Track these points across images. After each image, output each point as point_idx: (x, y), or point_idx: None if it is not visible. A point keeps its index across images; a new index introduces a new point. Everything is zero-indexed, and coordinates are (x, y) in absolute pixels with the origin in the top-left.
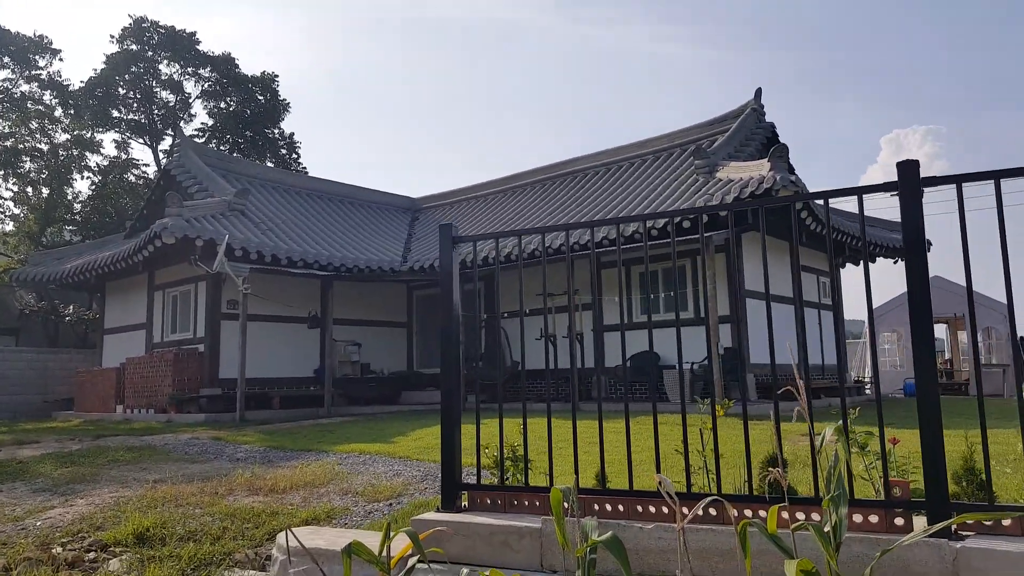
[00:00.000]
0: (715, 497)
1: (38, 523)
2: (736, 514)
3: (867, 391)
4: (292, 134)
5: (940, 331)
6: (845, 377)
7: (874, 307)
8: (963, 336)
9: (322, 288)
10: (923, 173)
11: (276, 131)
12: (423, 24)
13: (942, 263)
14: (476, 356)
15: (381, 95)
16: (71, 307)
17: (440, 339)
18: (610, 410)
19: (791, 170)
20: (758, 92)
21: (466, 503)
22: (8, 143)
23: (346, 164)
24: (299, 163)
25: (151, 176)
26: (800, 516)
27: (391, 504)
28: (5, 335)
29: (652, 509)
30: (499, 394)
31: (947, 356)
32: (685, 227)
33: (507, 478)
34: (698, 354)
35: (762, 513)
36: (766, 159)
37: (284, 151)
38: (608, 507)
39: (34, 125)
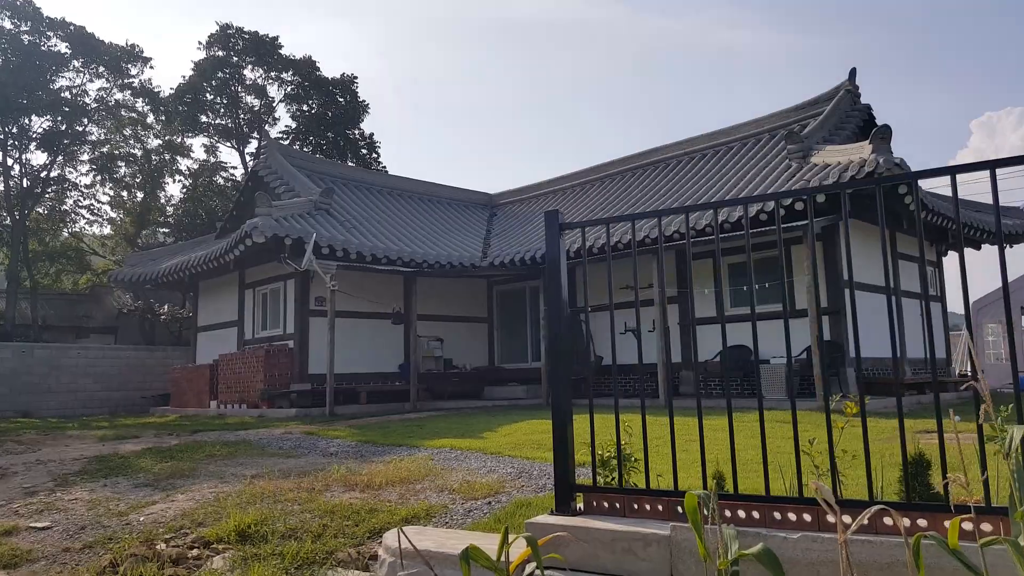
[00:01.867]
0: (881, 506)
1: (141, 518)
2: (908, 523)
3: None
4: (372, 134)
5: None
6: (972, 370)
7: (979, 296)
8: None
9: (405, 284)
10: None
11: (356, 132)
12: (492, 26)
13: None
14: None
15: (455, 95)
16: (166, 306)
17: (548, 332)
18: (680, 406)
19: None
20: (852, 72)
21: (581, 505)
22: (104, 149)
23: (423, 162)
24: (379, 162)
25: (238, 178)
26: (967, 527)
27: (489, 502)
28: (104, 334)
29: (792, 516)
30: (589, 390)
31: None
32: (768, 217)
33: (625, 480)
34: (792, 348)
35: (920, 522)
36: (867, 141)
37: (365, 151)
38: (741, 513)
39: (128, 132)
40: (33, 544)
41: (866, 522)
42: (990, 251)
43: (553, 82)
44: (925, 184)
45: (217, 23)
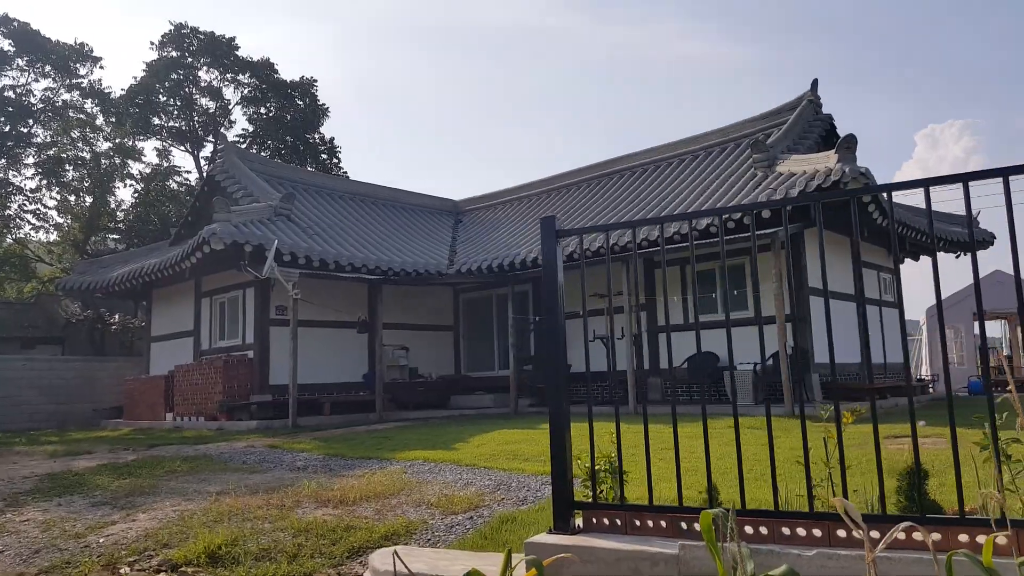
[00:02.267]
0: (910, 523)
1: (101, 540)
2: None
3: (931, 390)
4: (332, 139)
5: (996, 327)
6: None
7: (933, 303)
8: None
9: (370, 292)
10: (960, 168)
11: (316, 136)
12: (452, 32)
13: (1004, 257)
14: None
15: (415, 101)
16: (117, 315)
17: (546, 339)
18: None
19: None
20: (814, 83)
21: (579, 522)
22: (51, 152)
23: (384, 169)
24: (340, 168)
25: (193, 183)
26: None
27: (471, 517)
28: (52, 344)
29: (802, 532)
30: (588, 399)
31: (1007, 352)
32: (736, 225)
33: (609, 494)
34: (756, 355)
35: (935, 536)
36: (832, 151)
37: (325, 156)
38: (748, 529)
39: (76, 134)
40: None
41: (876, 535)
42: (944, 258)
43: (516, 90)
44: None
45: (171, 22)
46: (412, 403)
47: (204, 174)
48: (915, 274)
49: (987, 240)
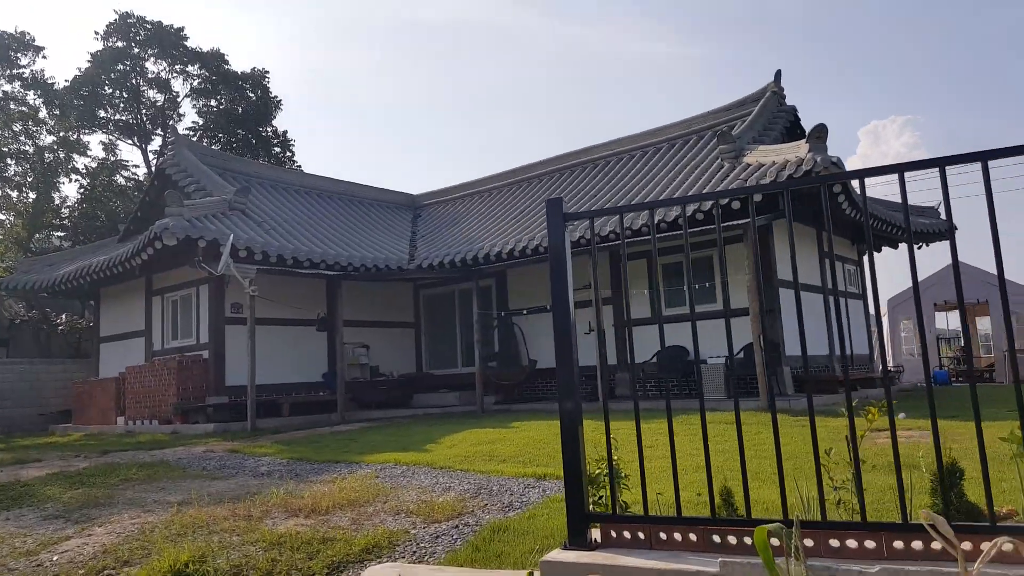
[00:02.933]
0: (1008, 538)
1: (55, 558)
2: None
3: (899, 380)
4: (285, 132)
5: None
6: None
7: (894, 294)
8: (981, 322)
9: (330, 288)
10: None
11: (269, 129)
12: (409, 26)
13: (963, 248)
14: (506, 354)
15: (370, 95)
16: (63, 316)
17: (555, 331)
18: (622, 408)
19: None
20: (778, 74)
21: (596, 537)
22: None
23: (338, 164)
24: (293, 161)
25: (141, 178)
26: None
27: (456, 526)
28: None
29: (852, 544)
30: (603, 395)
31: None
32: (704, 216)
33: (627, 504)
34: (726, 348)
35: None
36: (803, 140)
37: (278, 149)
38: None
39: (17, 127)
40: None
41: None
42: (904, 250)
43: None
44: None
45: (116, 11)
46: (374, 402)
47: (153, 168)
48: (877, 266)
49: (949, 230)
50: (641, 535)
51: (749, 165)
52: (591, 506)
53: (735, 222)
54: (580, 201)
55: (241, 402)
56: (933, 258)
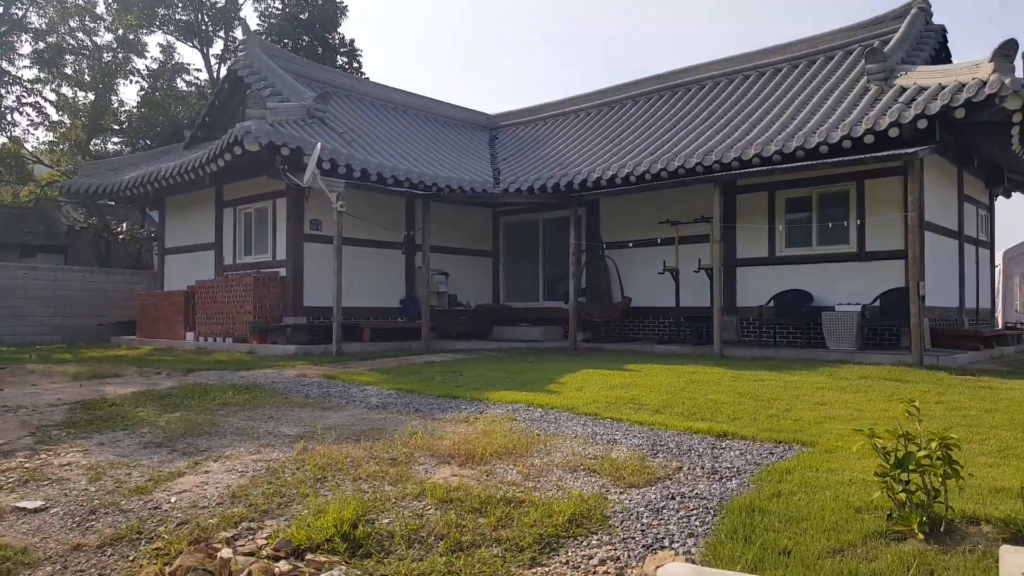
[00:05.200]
0: None
1: (172, 499)
2: None
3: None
4: (352, 40)
5: None
6: None
7: (1010, 246)
8: None
9: (415, 210)
10: None
11: (336, 37)
12: None
13: None
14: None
15: (438, 8)
16: (124, 224)
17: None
18: (740, 355)
19: None
20: None
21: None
22: (50, 40)
23: (404, 80)
24: (361, 73)
25: (202, 83)
26: None
27: (671, 496)
28: (53, 253)
29: None
30: None
31: None
32: (848, 146)
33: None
34: (857, 295)
35: None
36: (988, 59)
37: (345, 59)
38: None
39: (74, 23)
40: (26, 537)
41: None
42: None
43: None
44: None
45: None
46: (454, 332)
47: (215, 74)
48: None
49: None
50: None
51: (905, 88)
52: (902, 495)
53: (890, 152)
54: (688, 127)
55: (319, 324)
56: None
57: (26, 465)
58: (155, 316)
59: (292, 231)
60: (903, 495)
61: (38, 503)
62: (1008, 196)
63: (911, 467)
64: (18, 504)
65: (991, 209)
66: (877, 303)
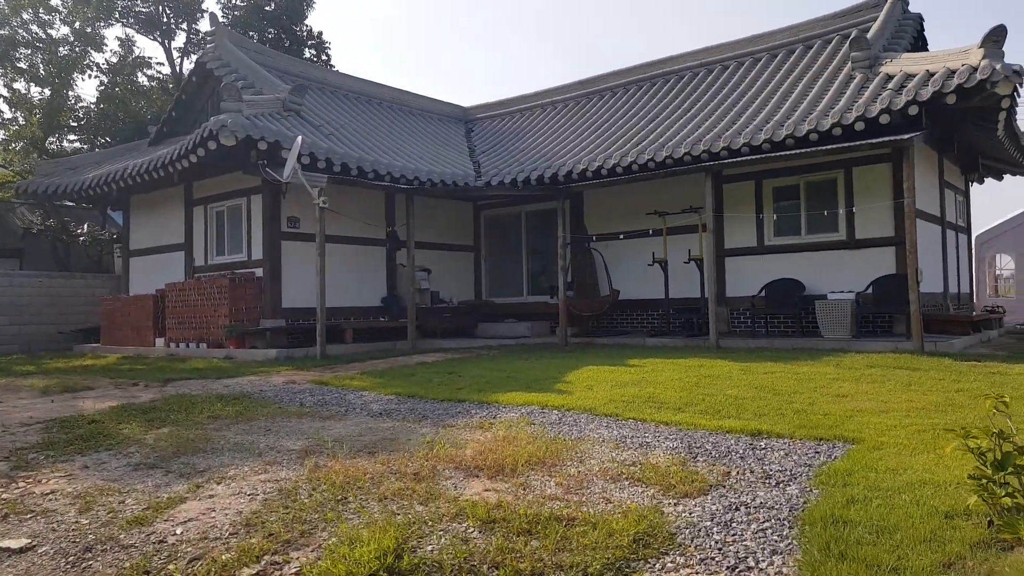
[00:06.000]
0: None
1: (177, 530)
2: None
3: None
4: (320, 32)
5: None
6: None
7: (989, 227)
8: None
9: (390, 204)
10: None
11: (303, 29)
12: None
13: None
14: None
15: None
16: (85, 226)
17: None
18: (736, 347)
19: None
20: None
21: None
22: (2, 32)
23: (372, 67)
24: (330, 66)
25: (164, 77)
26: None
27: (731, 506)
28: (7, 257)
29: None
30: None
31: None
32: (838, 133)
33: None
34: (848, 283)
35: None
36: (977, 45)
37: (313, 52)
38: None
39: (27, 15)
40: None
41: None
42: (1012, 182)
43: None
44: None
45: None
46: (439, 330)
47: (179, 67)
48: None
49: None
50: None
51: (891, 76)
52: (1006, 499)
53: (880, 139)
54: (666, 118)
55: (299, 326)
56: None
57: (3, 496)
58: (121, 322)
59: (269, 229)
60: (1007, 499)
61: (23, 541)
62: (981, 182)
63: (1010, 469)
64: (1, 544)
65: (967, 195)
66: (870, 290)
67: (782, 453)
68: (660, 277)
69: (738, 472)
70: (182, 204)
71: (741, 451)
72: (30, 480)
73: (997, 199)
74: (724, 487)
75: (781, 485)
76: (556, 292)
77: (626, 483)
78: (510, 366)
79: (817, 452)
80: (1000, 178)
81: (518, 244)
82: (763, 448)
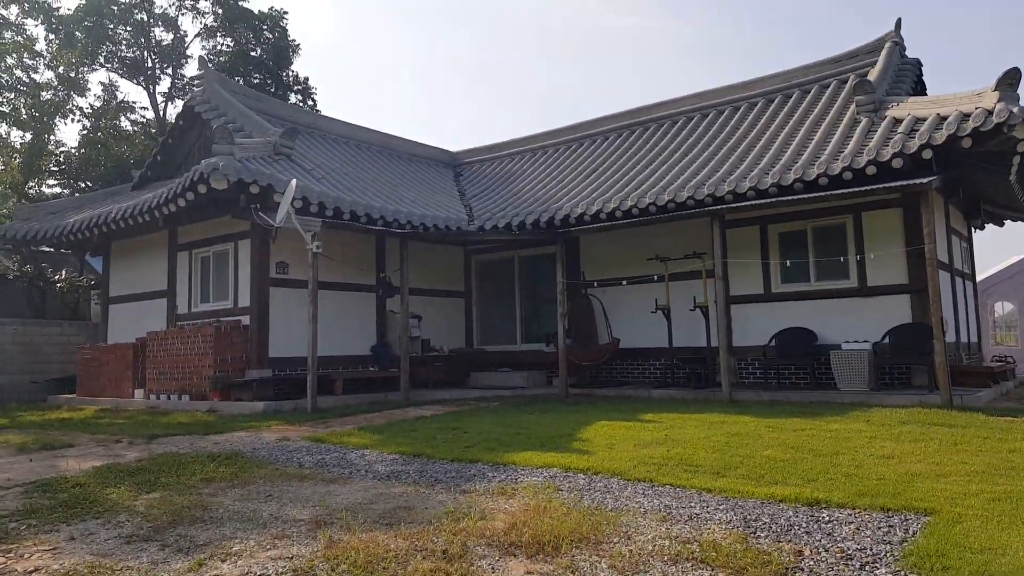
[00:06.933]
0: None
1: None
2: None
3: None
4: (307, 78)
5: None
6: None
7: (990, 273)
8: None
9: (380, 249)
10: None
11: (289, 74)
12: None
13: None
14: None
15: (394, 42)
16: (62, 272)
17: None
18: (750, 400)
19: None
20: (898, 23)
21: None
22: None
23: (360, 113)
24: (316, 110)
25: (148, 121)
26: None
27: None
28: None
29: None
30: None
31: None
32: (848, 177)
33: None
34: (862, 332)
35: None
36: (992, 88)
37: (298, 97)
38: None
39: (11, 60)
40: None
41: None
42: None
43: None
44: None
45: None
46: (430, 380)
47: (162, 111)
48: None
49: None
50: None
51: (899, 119)
52: None
53: (896, 183)
54: (663, 163)
55: (286, 377)
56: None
57: None
58: (98, 372)
59: (257, 275)
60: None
61: None
62: (983, 228)
63: None
64: None
65: (971, 241)
66: (886, 340)
67: (852, 527)
68: (660, 325)
69: (812, 551)
70: (166, 249)
71: (804, 524)
72: (10, 555)
73: (988, 246)
74: (802, 570)
75: (868, 568)
76: (552, 340)
77: (689, 566)
78: (516, 421)
79: (890, 526)
80: (1001, 224)
81: (511, 290)
82: (827, 521)
